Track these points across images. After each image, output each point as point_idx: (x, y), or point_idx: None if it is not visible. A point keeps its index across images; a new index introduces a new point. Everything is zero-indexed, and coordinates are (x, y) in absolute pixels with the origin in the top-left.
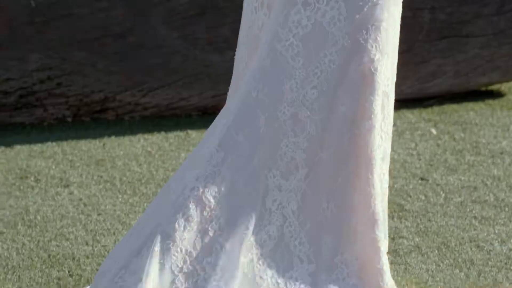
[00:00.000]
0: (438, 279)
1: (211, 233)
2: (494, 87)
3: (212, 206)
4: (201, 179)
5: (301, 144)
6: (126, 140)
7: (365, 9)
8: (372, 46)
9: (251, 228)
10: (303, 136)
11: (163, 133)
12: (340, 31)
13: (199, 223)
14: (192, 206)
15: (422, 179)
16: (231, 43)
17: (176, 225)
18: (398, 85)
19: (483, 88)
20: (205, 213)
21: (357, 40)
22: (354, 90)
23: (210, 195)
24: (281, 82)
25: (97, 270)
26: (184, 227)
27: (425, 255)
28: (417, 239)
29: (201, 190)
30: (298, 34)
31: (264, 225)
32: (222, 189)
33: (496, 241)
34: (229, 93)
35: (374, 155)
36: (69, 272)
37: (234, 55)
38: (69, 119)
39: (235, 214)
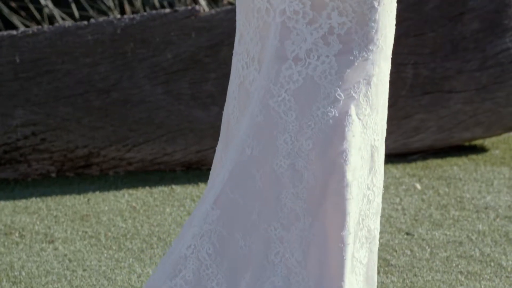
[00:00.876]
0: None
1: None
2: (477, 142)
3: (208, 264)
4: (197, 237)
5: (300, 195)
6: (110, 195)
7: (356, 64)
8: (363, 101)
9: (251, 283)
10: (302, 186)
11: (147, 188)
12: (332, 84)
13: (197, 282)
14: (188, 265)
15: (407, 234)
16: (215, 99)
17: (174, 286)
18: None
19: (466, 143)
20: (201, 272)
21: (349, 94)
22: (347, 140)
23: (205, 253)
24: (275, 137)
25: None
26: (181, 287)
27: None
28: None
29: (197, 249)
30: (290, 89)
31: (268, 277)
32: (218, 246)
33: None
34: (218, 148)
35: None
36: None
37: (218, 110)
38: (53, 175)
39: (233, 270)
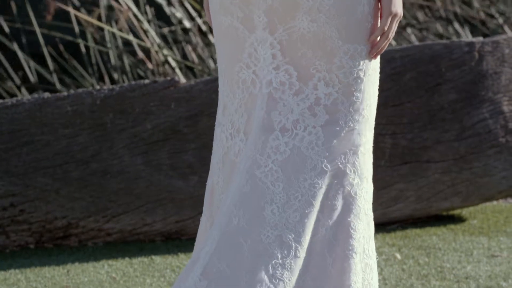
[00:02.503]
0: None
1: None
2: (456, 212)
3: None
4: None
5: (287, 266)
6: (90, 266)
7: (343, 134)
8: (350, 171)
9: None
10: (289, 258)
11: (127, 259)
12: (319, 156)
13: None
14: None
15: None
16: (194, 169)
17: None
18: None
19: (445, 213)
20: None
21: (335, 165)
22: (335, 214)
23: None
24: (262, 208)
25: None
26: None
27: None
28: None
29: None
30: (277, 160)
31: None
32: None
33: None
34: (202, 219)
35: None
36: None
37: (198, 180)
38: (32, 246)
39: None
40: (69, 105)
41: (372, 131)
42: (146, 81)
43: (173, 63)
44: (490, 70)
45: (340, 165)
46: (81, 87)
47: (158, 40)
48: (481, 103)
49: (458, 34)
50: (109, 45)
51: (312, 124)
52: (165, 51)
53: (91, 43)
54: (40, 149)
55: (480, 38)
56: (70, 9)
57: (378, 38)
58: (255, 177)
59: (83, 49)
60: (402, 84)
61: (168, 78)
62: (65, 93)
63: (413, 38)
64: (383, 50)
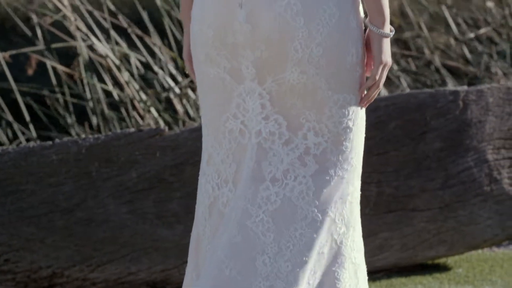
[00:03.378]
0: None
1: None
2: (441, 260)
3: None
4: None
5: None
6: None
7: (332, 184)
8: (338, 220)
9: None
10: None
11: None
12: (309, 205)
13: None
14: None
15: None
16: (179, 218)
17: None
18: None
19: (430, 262)
20: None
21: (326, 214)
22: (322, 262)
23: None
24: (254, 258)
25: None
26: None
27: None
28: None
29: None
30: (268, 210)
31: None
32: None
33: None
34: (187, 270)
35: None
36: None
37: (183, 229)
38: None
39: None
40: (54, 154)
41: (360, 180)
42: (132, 129)
43: (155, 113)
44: (475, 119)
45: (330, 214)
46: (65, 136)
47: (142, 95)
48: (466, 151)
49: (444, 82)
50: (89, 96)
51: (302, 174)
52: (148, 102)
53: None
54: (25, 198)
55: (465, 87)
56: (52, 62)
57: (369, 88)
58: (246, 228)
59: (62, 100)
60: (387, 132)
61: (153, 127)
62: (50, 142)
63: (404, 85)
64: (373, 99)
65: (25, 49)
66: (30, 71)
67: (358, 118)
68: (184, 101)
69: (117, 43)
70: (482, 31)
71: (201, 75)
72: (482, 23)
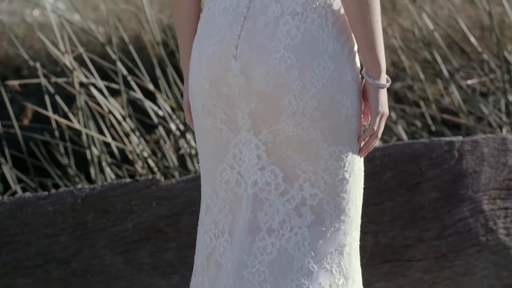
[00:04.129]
0: None
1: None
2: None
3: None
4: None
5: None
6: None
7: (328, 235)
8: (336, 271)
9: None
10: None
11: None
12: (305, 256)
13: None
14: None
15: None
16: (176, 268)
17: None
18: None
19: None
20: None
21: (322, 265)
22: None
23: None
24: None
25: None
26: None
27: None
28: None
29: None
30: (264, 261)
31: None
32: None
33: None
34: None
35: None
36: None
37: (179, 279)
38: None
39: None
40: (50, 204)
41: (358, 230)
42: (127, 180)
43: (152, 163)
44: (470, 169)
45: (326, 265)
46: (61, 186)
47: (140, 148)
48: (462, 201)
49: (441, 133)
50: (86, 144)
51: (298, 225)
52: (145, 154)
53: (70, 144)
54: (20, 249)
55: (460, 137)
56: (50, 114)
57: (367, 138)
58: (242, 278)
59: (61, 149)
60: (382, 183)
61: (149, 177)
62: (46, 193)
63: (401, 132)
64: (371, 149)
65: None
66: (25, 121)
67: (355, 170)
68: (181, 150)
69: (116, 92)
70: (475, 80)
71: (199, 126)
72: (476, 72)
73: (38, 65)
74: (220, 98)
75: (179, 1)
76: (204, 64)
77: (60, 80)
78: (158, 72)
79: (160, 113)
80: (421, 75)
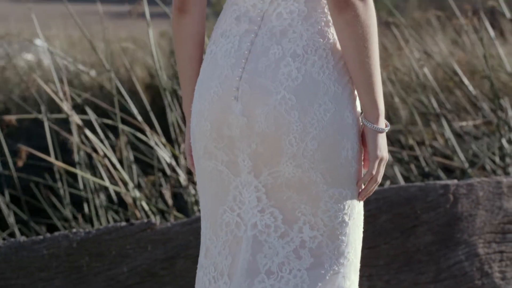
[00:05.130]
0: None
1: None
2: None
3: None
4: None
5: None
6: None
7: (328, 278)
8: None
9: None
10: None
11: None
12: None
13: None
14: None
15: None
16: None
17: None
18: None
19: None
20: None
21: None
22: None
23: None
24: None
25: None
26: None
27: None
28: None
29: None
30: None
31: None
32: None
33: None
34: None
35: None
36: None
37: None
38: None
39: None
40: (45, 248)
41: (357, 274)
42: (123, 223)
43: (146, 207)
44: (465, 213)
45: None
46: (56, 230)
47: (137, 193)
48: (457, 245)
49: (436, 175)
50: (81, 187)
51: (297, 267)
52: (143, 202)
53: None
54: None
55: (455, 181)
56: (48, 157)
57: (367, 182)
58: None
59: (58, 192)
60: (377, 226)
61: (145, 220)
62: (41, 237)
63: (399, 176)
64: (371, 193)
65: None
66: (20, 163)
67: (354, 213)
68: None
69: (113, 137)
70: (470, 123)
71: (200, 169)
72: (470, 116)
73: (42, 108)
74: (221, 139)
75: (182, 44)
76: (206, 106)
77: (57, 116)
78: (152, 115)
79: (163, 159)
80: (417, 118)
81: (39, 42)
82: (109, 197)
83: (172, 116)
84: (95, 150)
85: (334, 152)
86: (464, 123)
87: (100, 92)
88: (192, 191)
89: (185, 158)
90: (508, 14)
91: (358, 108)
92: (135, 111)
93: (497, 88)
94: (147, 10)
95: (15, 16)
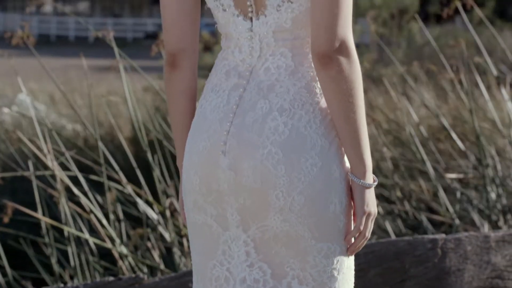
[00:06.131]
0: None
1: None
2: None
3: None
4: None
5: None
6: None
7: None
8: None
9: None
10: None
11: None
12: None
13: None
14: None
15: None
16: None
17: None
18: None
19: None
20: None
21: None
22: None
23: None
24: None
25: None
26: None
27: None
28: None
29: None
30: None
31: None
32: None
33: None
34: None
35: None
36: None
37: None
38: None
39: None
40: None
41: None
42: (111, 278)
43: (132, 262)
44: (453, 267)
45: None
46: (43, 284)
47: (123, 249)
48: None
49: (424, 229)
50: (67, 243)
51: None
52: (130, 258)
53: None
54: None
55: (443, 235)
56: (35, 213)
57: (355, 238)
58: None
59: (43, 247)
60: (367, 280)
61: (133, 275)
62: None
63: (389, 229)
64: (360, 249)
65: None
66: (6, 219)
67: (344, 267)
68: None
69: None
70: (460, 176)
71: (191, 223)
72: (460, 169)
73: (30, 163)
74: (210, 193)
75: (174, 99)
76: (195, 160)
77: (42, 173)
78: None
79: (152, 215)
80: (404, 171)
81: (22, 96)
82: (97, 249)
83: (155, 174)
84: (81, 205)
85: (321, 206)
86: (453, 176)
87: (85, 144)
88: (179, 246)
89: (171, 213)
90: (494, 71)
91: (347, 162)
92: (119, 169)
93: (484, 141)
94: (135, 64)
95: None
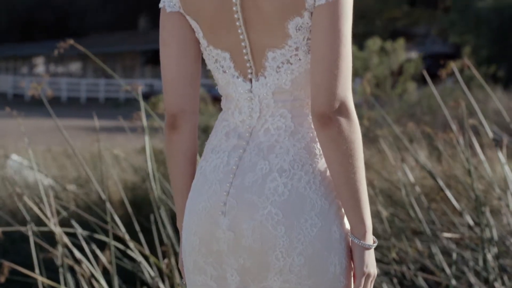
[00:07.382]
0: None
1: None
2: None
3: None
4: None
5: None
6: None
7: None
8: None
9: None
10: None
11: None
12: None
13: None
14: None
15: None
16: None
17: None
18: None
19: None
20: None
21: None
22: None
23: None
24: None
25: None
26: None
27: None
28: None
29: None
30: None
31: None
32: None
33: None
34: None
35: None
36: None
37: None
38: None
39: None
40: None
41: None
42: None
43: None
44: None
45: None
46: None
47: None
48: None
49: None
50: None
51: None
52: None
53: None
54: None
55: None
56: (32, 273)
57: None
58: None
59: None
60: None
61: None
62: None
63: None
64: None
65: None
66: (2, 279)
67: None
68: None
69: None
70: (457, 236)
71: (191, 283)
72: (457, 230)
73: (29, 226)
74: (209, 254)
75: (174, 160)
76: (195, 221)
77: (42, 229)
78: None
79: (147, 274)
80: (400, 232)
81: (15, 157)
82: None
83: (154, 232)
84: (79, 262)
85: (321, 267)
86: (449, 235)
87: (83, 203)
88: None
89: (170, 272)
90: (490, 133)
91: (347, 223)
92: (122, 228)
93: (481, 201)
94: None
95: None
